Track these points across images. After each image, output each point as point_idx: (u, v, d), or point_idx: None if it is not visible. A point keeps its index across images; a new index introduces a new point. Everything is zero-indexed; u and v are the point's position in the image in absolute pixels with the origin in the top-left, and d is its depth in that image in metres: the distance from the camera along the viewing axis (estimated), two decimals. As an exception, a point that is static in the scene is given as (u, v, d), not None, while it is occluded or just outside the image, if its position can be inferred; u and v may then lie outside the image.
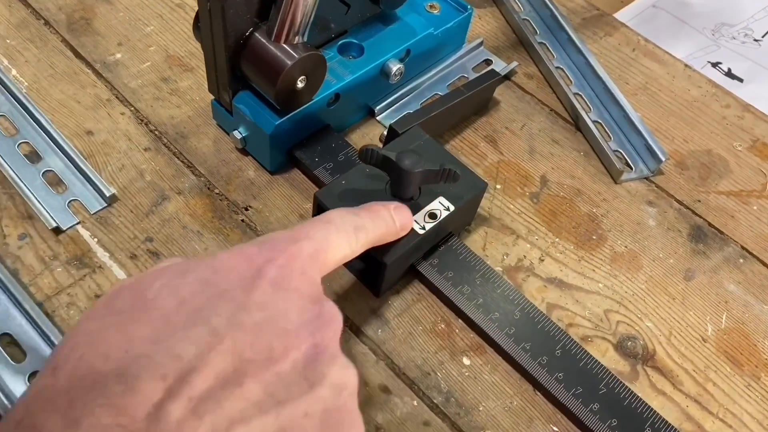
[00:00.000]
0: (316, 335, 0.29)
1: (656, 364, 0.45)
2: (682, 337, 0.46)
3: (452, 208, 0.44)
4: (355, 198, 0.44)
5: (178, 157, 0.50)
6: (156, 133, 0.51)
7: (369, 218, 0.38)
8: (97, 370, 0.26)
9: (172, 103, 0.53)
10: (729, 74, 0.72)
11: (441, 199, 0.45)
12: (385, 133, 0.49)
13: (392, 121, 0.49)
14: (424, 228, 0.43)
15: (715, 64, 0.73)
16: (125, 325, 0.28)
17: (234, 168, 0.50)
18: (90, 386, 0.26)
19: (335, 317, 0.31)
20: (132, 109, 0.52)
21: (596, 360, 0.43)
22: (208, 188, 0.49)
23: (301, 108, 0.47)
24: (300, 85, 0.44)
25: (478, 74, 0.55)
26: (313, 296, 0.31)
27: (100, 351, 0.27)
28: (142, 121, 0.52)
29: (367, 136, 0.53)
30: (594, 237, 0.50)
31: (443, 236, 0.46)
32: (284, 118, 0.46)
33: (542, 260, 0.48)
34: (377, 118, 0.54)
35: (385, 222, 0.39)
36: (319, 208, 0.44)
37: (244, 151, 0.51)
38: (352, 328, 0.44)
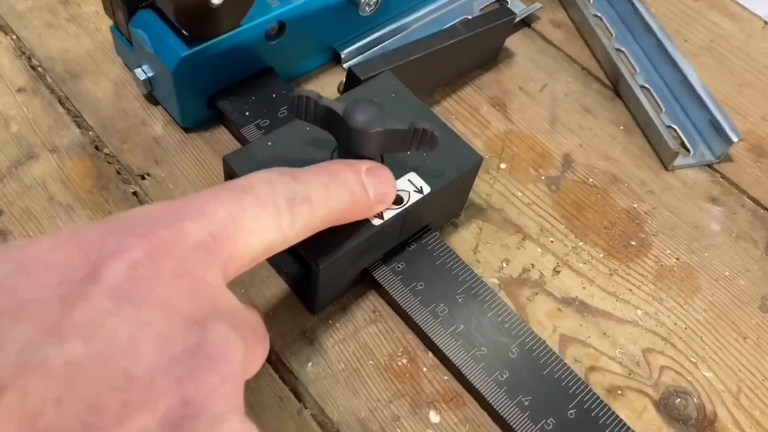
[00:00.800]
0: (188, 384, 0.17)
1: (718, 435, 0.30)
2: (757, 396, 0.31)
3: (428, 189, 0.30)
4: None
5: (62, 104, 0.36)
6: (39, 69, 0.38)
7: (319, 184, 0.25)
8: None
9: (69, 33, 0.39)
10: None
11: (412, 176, 0.31)
12: (344, 80, 0.35)
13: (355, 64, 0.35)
14: (381, 217, 0.29)
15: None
16: None
17: (135, 121, 0.36)
18: None
19: (226, 352, 0.19)
20: (13, 37, 0.39)
21: (627, 426, 0.28)
22: (96, 147, 0.35)
23: (223, 37, 0.33)
24: (216, 0, 0.31)
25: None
26: (193, 316, 0.19)
27: None
28: (23, 53, 0.38)
29: (328, 87, 0.39)
30: (633, 243, 0.36)
31: (415, 231, 0.32)
32: (195, 49, 0.32)
33: (558, 272, 0.34)
34: (344, 65, 0.40)
35: (348, 189, 0.26)
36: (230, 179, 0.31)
37: (153, 99, 0.37)
38: (269, 358, 0.30)
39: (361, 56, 0.40)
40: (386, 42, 0.41)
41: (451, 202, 0.34)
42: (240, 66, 0.35)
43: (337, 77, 0.40)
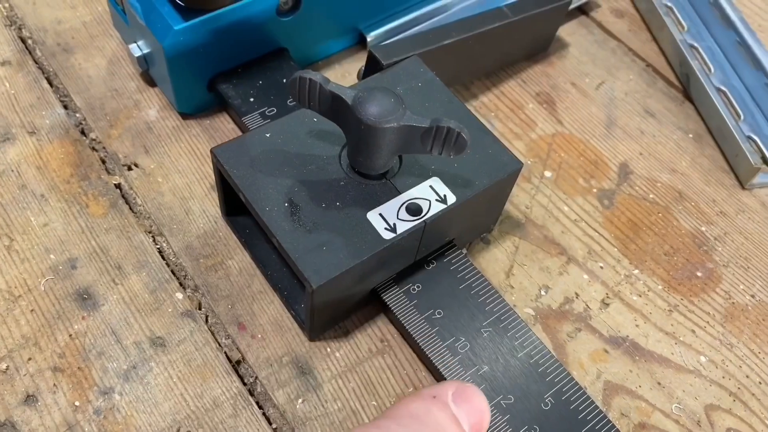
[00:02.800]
0: None
1: None
2: None
3: (453, 199, 0.25)
4: (284, 168, 0.25)
5: (49, 81, 0.32)
6: (29, 41, 0.34)
7: None
8: None
9: (66, 2, 0.35)
10: None
11: (434, 182, 0.25)
12: (364, 66, 0.30)
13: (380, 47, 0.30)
14: (393, 229, 0.24)
15: None
16: None
17: (128, 103, 0.32)
18: None
19: None
20: (5, 5, 0.35)
21: (686, 507, 0.23)
22: (81, 131, 0.31)
23: (226, 9, 0.28)
24: (216, -36, 0.26)
25: (536, -3, 0.35)
26: None
27: None
28: (13, 22, 0.34)
29: (350, 76, 0.34)
30: (699, 274, 0.30)
31: (436, 247, 0.27)
32: (192, 22, 0.28)
33: (607, 305, 0.29)
34: (371, 49, 0.35)
35: None
36: (221, 178, 0.26)
37: (150, 80, 0.33)
38: (253, 391, 0.25)
39: (390, 40, 0.35)
40: (421, 25, 0.36)
41: (481, 215, 0.28)
42: (246, 45, 0.30)
43: (363, 62, 0.35)
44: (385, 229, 0.24)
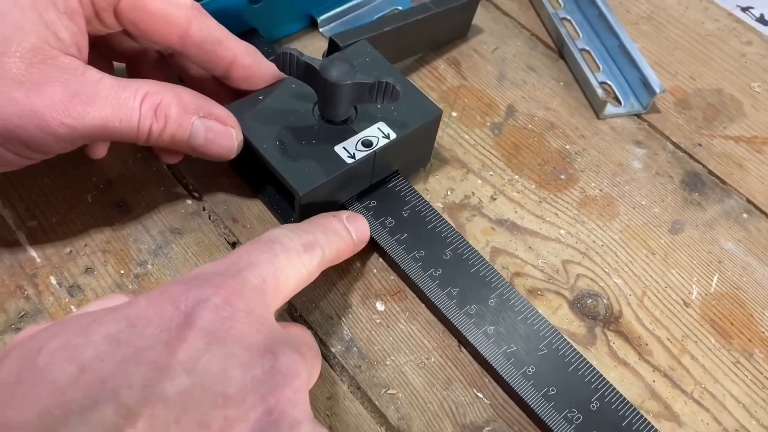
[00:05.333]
0: (270, 398, 0.23)
1: (621, 327, 0.36)
2: (659, 299, 0.37)
3: (394, 135, 0.36)
4: (274, 119, 0.36)
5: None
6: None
7: (319, 231, 0.31)
8: None
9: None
10: (761, 20, 0.61)
11: (381, 125, 0.36)
12: (326, 48, 0.42)
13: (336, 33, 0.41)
14: (353, 156, 0.35)
15: (745, 9, 0.62)
16: (1, 407, 0.21)
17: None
18: None
19: (295, 370, 0.24)
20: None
21: (541, 315, 0.34)
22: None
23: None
24: (205, -32, 0.37)
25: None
26: (264, 344, 0.24)
27: None
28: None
29: (307, 49, 0.46)
30: (562, 177, 0.42)
31: (386, 174, 0.38)
32: (188, 9, 0.39)
33: (494, 199, 0.40)
34: (321, 30, 0.46)
35: (338, 235, 0.33)
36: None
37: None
38: (245, 259, 0.36)
39: (336, 22, 0.47)
40: (359, 10, 0.47)
41: (417, 151, 0.39)
42: (225, 26, 0.41)
43: (316, 41, 0.46)
44: (348, 156, 0.35)
